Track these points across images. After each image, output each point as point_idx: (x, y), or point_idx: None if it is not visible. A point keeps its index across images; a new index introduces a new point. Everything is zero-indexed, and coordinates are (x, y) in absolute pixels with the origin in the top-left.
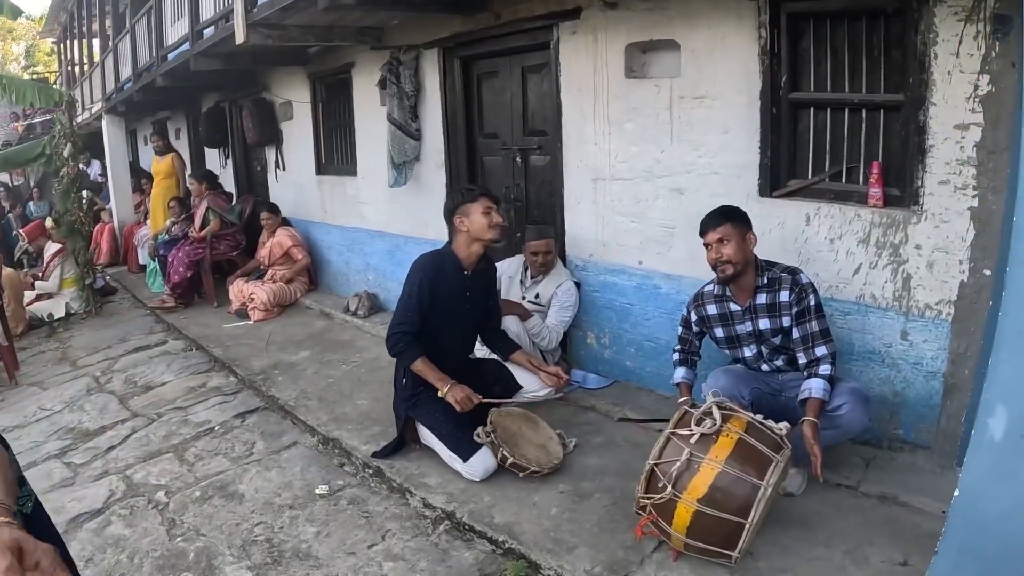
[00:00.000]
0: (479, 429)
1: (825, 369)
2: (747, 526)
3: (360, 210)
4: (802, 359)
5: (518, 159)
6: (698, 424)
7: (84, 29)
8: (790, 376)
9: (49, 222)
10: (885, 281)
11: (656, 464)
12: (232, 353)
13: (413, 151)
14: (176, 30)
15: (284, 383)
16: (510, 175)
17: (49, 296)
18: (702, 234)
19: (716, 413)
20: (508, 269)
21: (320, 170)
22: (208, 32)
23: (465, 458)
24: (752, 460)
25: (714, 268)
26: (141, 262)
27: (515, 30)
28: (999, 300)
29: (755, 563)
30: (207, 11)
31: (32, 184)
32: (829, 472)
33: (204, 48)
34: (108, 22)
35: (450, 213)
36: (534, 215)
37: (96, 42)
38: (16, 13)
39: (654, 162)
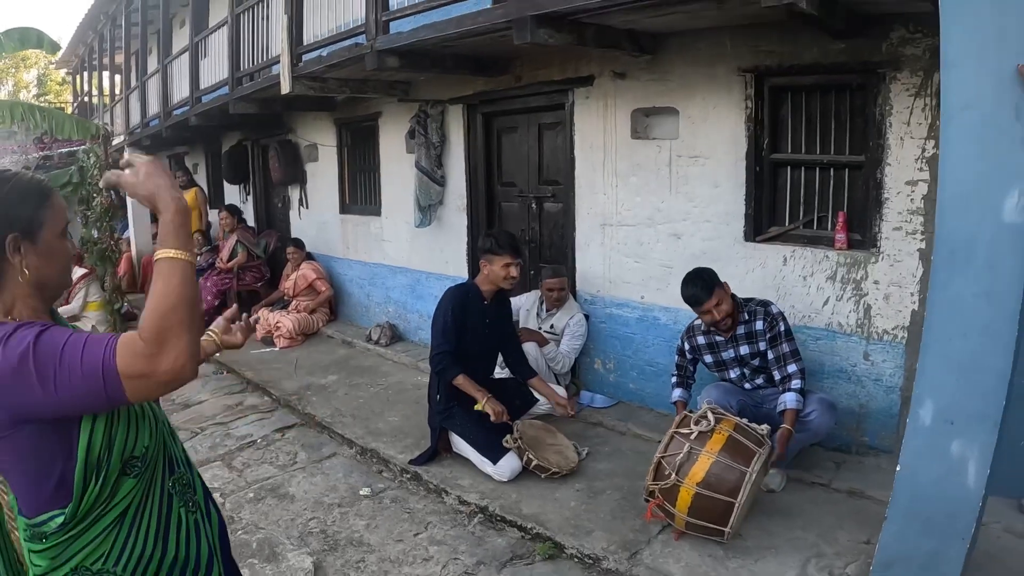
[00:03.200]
0: (507, 436)
1: (796, 383)
2: (737, 504)
3: (383, 247)
4: (776, 375)
5: (533, 205)
6: (696, 424)
7: (106, 61)
8: (768, 392)
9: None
10: (849, 311)
11: (662, 456)
12: (264, 376)
13: (437, 195)
14: (210, 68)
15: (318, 402)
16: (525, 219)
17: (74, 319)
18: (697, 304)
19: (710, 416)
20: (525, 302)
21: (344, 209)
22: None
23: (495, 461)
24: (740, 452)
25: (714, 326)
26: None
27: (534, 92)
28: None
29: (744, 542)
30: (246, 58)
31: None
32: (806, 472)
33: (245, 93)
34: (133, 57)
35: (481, 252)
36: (547, 255)
37: (118, 77)
38: (55, 48)
39: (655, 211)
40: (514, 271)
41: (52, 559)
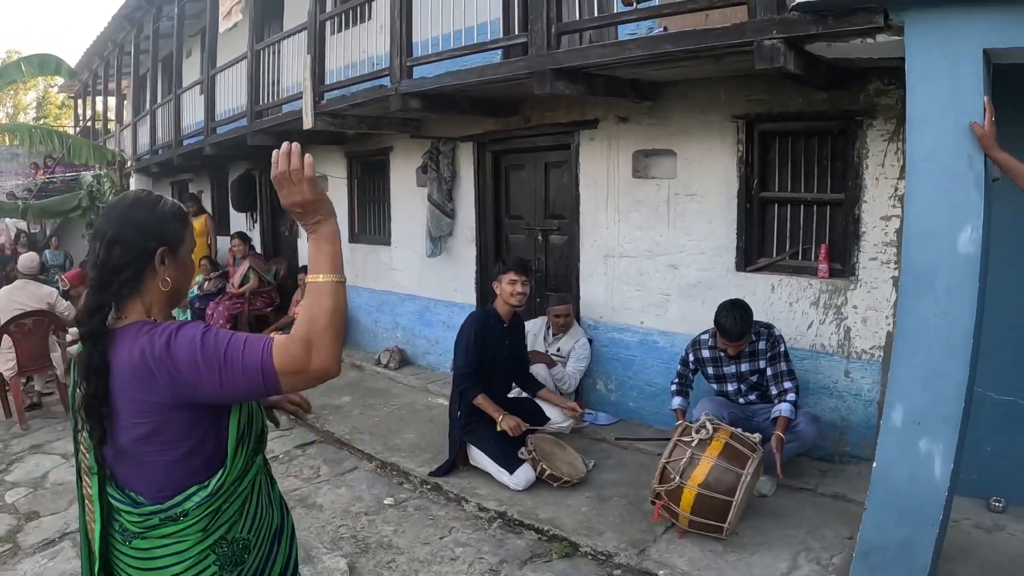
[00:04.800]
0: (522, 448)
1: (791, 396)
2: (734, 503)
3: (392, 276)
4: (773, 391)
5: (539, 237)
6: (697, 433)
7: (111, 87)
8: (760, 407)
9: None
10: (831, 333)
11: (667, 462)
12: None
13: (448, 227)
14: (222, 99)
15: (335, 421)
16: (532, 250)
17: None
18: (731, 340)
19: (709, 425)
20: (533, 328)
21: (353, 238)
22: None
23: (511, 471)
24: (736, 457)
25: (725, 352)
26: None
27: (542, 133)
28: None
29: (740, 539)
30: (265, 92)
31: (48, 233)
32: (794, 479)
33: (264, 127)
34: (139, 84)
35: (493, 278)
36: (552, 284)
37: (126, 103)
38: (73, 75)
39: (654, 244)
40: (520, 287)
41: (195, 535)
